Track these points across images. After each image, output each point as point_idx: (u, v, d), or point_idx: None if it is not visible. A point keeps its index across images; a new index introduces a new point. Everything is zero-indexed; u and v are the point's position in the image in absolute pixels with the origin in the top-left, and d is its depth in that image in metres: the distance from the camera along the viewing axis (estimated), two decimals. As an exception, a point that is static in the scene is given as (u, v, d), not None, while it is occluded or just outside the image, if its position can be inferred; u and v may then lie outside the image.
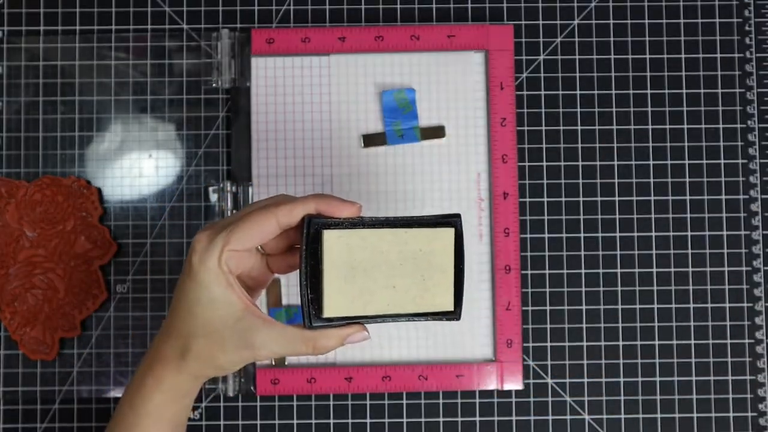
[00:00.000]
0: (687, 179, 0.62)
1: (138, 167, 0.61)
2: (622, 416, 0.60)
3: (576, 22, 0.62)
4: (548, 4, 0.62)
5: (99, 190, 0.61)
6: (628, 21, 0.62)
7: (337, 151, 0.60)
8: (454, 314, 0.45)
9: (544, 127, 0.62)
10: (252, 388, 0.59)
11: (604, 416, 0.60)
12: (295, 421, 0.60)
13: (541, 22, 0.62)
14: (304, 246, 0.43)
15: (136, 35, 0.61)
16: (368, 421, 0.60)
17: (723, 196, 0.62)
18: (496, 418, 0.60)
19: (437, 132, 0.60)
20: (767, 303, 0.62)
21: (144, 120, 0.61)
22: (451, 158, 0.61)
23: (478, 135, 0.61)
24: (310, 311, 0.44)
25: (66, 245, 0.60)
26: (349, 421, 0.60)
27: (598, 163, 0.62)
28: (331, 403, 0.60)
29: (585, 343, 0.61)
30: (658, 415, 0.60)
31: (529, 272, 0.61)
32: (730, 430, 0.60)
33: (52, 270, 0.60)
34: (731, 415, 0.60)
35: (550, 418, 0.60)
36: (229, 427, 0.60)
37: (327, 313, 0.44)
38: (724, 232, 0.62)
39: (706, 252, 0.61)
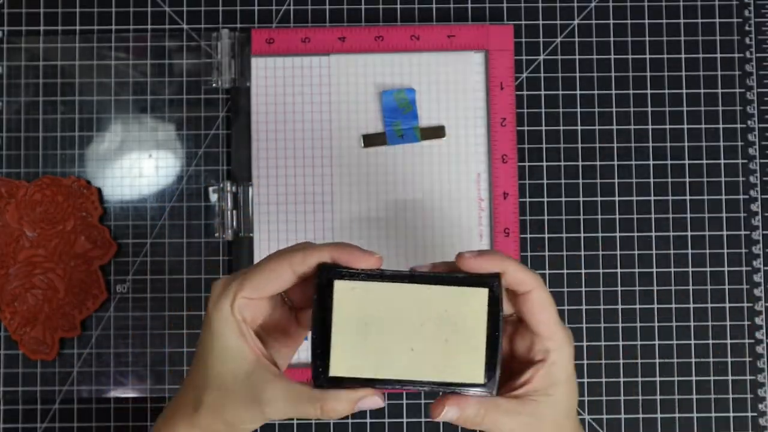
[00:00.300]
0: (687, 179, 0.62)
1: (138, 167, 0.61)
2: (622, 416, 0.60)
3: (576, 22, 0.62)
4: (548, 4, 0.62)
5: (99, 190, 0.61)
6: (628, 21, 0.62)
7: (337, 151, 0.60)
8: (486, 387, 0.40)
9: (544, 127, 0.62)
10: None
11: (604, 416, 0.60)
12: (295, 422, 0.60)
13: (541, 22, 0.62)
14: (315, 296, 0.40)
15: (136, 35, 0.61)
16: (368, 421, 0.60)
17: (723, 196, 0.62)
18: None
19: (437, 132, 0.60)
20: (767, 303, 0.62)
21: (144, 120, 0.61)
22: (451, 158, 0.61)
23: (478, 135, 0.61)
24: (317, 368, 0.40)
25: (66, 245, 0.60)
26: (349, 421, 0.60)
27: (598, 163, 0.62)
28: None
29: (585, 343, 0.61)
30: (658, 415, 0.60)
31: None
32: (730, 430, 0.60)
33: (52, 270, 0.60)
34: (731, 415, 0.60)
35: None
36: (229, 427, 0.60)
37: (333, 371, 0.40)
38: (724, 232, 0.62)
39: (706, 252, 0.61)
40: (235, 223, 0.60)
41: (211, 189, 0.61)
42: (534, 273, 0.42)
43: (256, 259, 0.59)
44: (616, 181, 0.61)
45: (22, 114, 0.61)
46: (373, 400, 0.40)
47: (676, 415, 0.60)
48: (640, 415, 0.60)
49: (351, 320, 0.40)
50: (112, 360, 0.60)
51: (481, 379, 0.40)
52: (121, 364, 0.60)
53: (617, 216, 0.61)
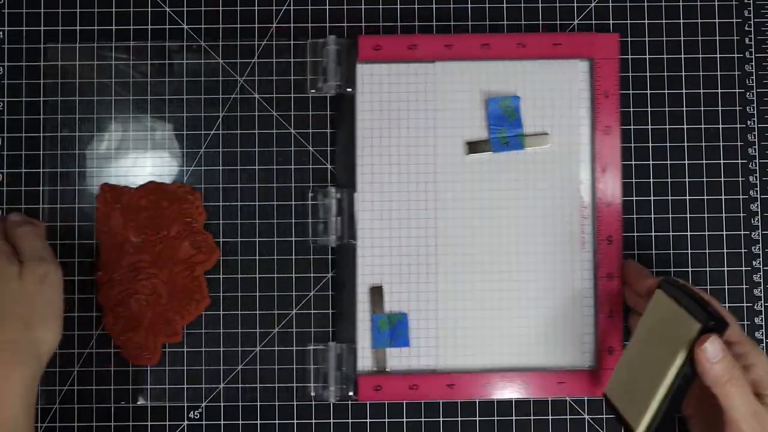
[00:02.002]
0: (686, 179, 0.62)
1: (239, 172, 0.61)
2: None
3: (576, 22, 0.62)
4: (548, 4, 0.62)
5: (202, 196, 0.61)
6: (628, 21, 0.62)
7: (441, 158, 0.60)
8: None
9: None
10: (353, 393, 0.59)
11: (604, 416, 0.60)
12: (295, 422, 0.60)
13: (541, 22, 0.62)
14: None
15: (244, 42, 0.61)
16: (368, 420, 0.60)
17: (723, 196, 0.62)
18: (495, 418, 0.60)
19: (541, 139, 0.60)
20: (767, 303, 0.61)
21: (251, 121, 0.61)
22: (554, 165, 0.61)
23: (582, 143, 0.61)
24: None
25: (170, 251, 0.60)
26: (349, 421, 0.60)
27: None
28: (331, 402, 0.60)
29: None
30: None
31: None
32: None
33: (156, 276, 0.59)
34: (731, 415, 0.60)
35: (549, 418, 0.60)
36: (229, 427, 0.60)
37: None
38: (724, 232, 0.62)
39: (705, 252, 0.61)
40: (338, 229, 0.60)
41: (314, 194, 0.60)
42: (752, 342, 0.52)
43: (360, 267, 0.60)
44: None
45: (111, 120, 0.61)
46: None
47: (676, 415, 0.60)
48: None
49: None
50: (203, 360, 0.60)
51: (636, 426, 0.50)
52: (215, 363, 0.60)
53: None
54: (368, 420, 0.60)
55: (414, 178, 0.60)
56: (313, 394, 0.60)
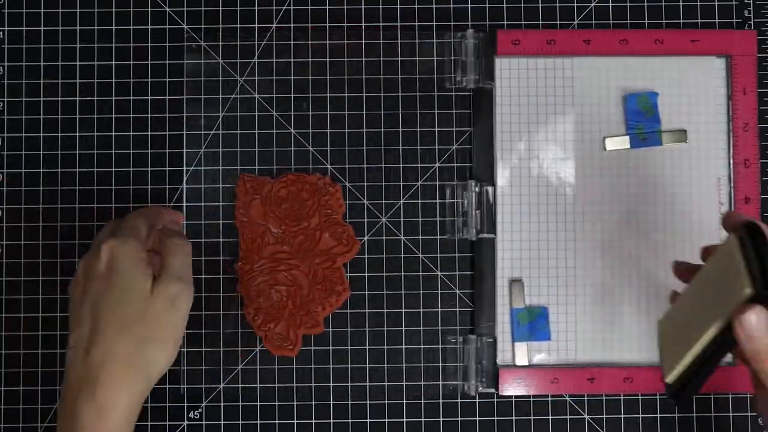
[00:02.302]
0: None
1: (376, 164, 0.61)
2: (622, 416, 0.60)
3: (575, 22, 0.62)
4: (548, 4, 0.62)
5: (342, 188, 0.61)
6: (628, 21, 0.62)
7: (579, 153, 0.61)
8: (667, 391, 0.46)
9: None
10: (493, 388, 0.60)
11: (604, 416, 0.60)
12: (295, 422, 0.60)
13: (541, 22, 0.62)
14: None
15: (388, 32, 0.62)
16: (368, 421, 0.60)
17: (723, 196, 0.62)
18: (496, 418, 0.60)
19: (679, 136, 0.61)
20: (767, 303, 0.61)
21: (373, 118, 0.61)
22: (692, 162, 0.61)
23: (719, 139, 0.61)
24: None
25: (310, 242, 0.60)
26: (349, 421, 0.60)
27: (597, 163, 0.61)
28: (331, 402, 0.60)
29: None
30: (658, 415, 0.60)
31: None
32: (730, 430, 0.60)
33: (296, 267, 0.60)
34: (731, 414, 0.60)
35: (550, 417, 0.60)
36: (229, 427, 0.60)
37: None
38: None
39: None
40: (477, 223, 0.60)
41: (451, 188, 0.61)
42: None
43: (499, 261, 0.60)
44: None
45: (254, 111, 0.61)
46: None
47: (676, 415, 0.60)
48: (640, 415, 0.60)
49: None
50: (349, 357, 0.60)
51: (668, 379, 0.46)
52: (360, 362, 0.61)
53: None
54: (368, 420, 0.60)
55: (552, 172, 0.61)
56: (452, 387, 0.60)
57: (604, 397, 0.60)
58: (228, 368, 0.60)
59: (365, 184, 0.61)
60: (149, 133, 0.62)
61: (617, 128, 0.61)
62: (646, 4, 0.62)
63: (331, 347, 0.60)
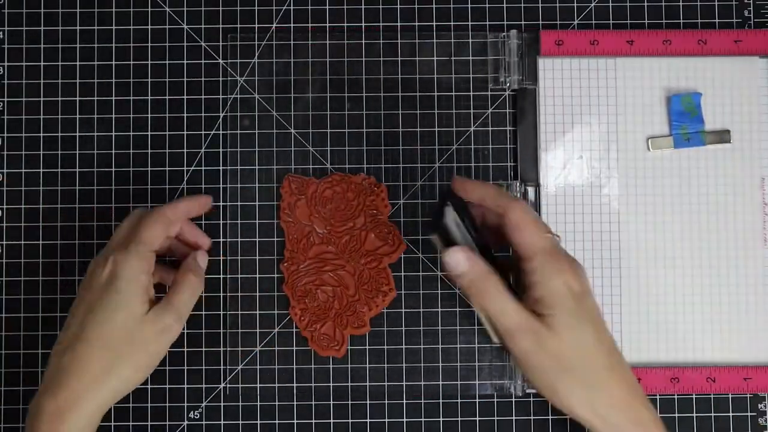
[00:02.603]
0: (687, 179, 0.62)
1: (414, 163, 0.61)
2: (676, 415, 0.60)
3: (575, 22, 0.62)
4: (548, 5, 0.62)
5: (387, 188, 0.61)
6: (628, 21, 0.62)
7: (623, 153, 0.61)
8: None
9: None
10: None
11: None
12: (295, 421, 0.60)
13: (541, 22, 0.62)
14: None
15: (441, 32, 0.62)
16: (368, 421, 0.60)
17: (723, 196, 0.62)
18: (495, 418, 0.60)
19: (723, 136, 0.61)
20: (767, 303, 0.62)
21: (430, 119, 0.61)
22: (735, 162, 0.61)
23: (763, 139, 0.61)
24: None
25: (356, 242, 0.60)
26: (349, 421, 0.60)
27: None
28: (331, 402, 0.60)
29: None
30: (658, 416, 0.60)
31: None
32: (730, 430, 0.60)
33: (342, 267, 0.60)
34: (731, 414, 0.60)
35: (550, 417, 0.60)
36: (229, 427, 0.60)
37: None
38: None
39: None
40: None
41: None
42: (510, 197, 0.49)
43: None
44: None
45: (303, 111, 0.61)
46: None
47: (676, 415, 0.60)
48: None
49: None
50: (404, 357, 0.60)
51: None
52: (411, 361, 0.61)
53: (617, 216, 0.61)
54: (368, 420, 0.60)
55: (596, 172, 0.61)
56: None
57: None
58: (228, 368, 0.60)
59: (402, 183, 0.61)
60: (149, 133, 0.62)
61: (661, 129, 0.61)
62: (646, 4, 0.62)
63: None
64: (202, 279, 0.56)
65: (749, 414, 0.60)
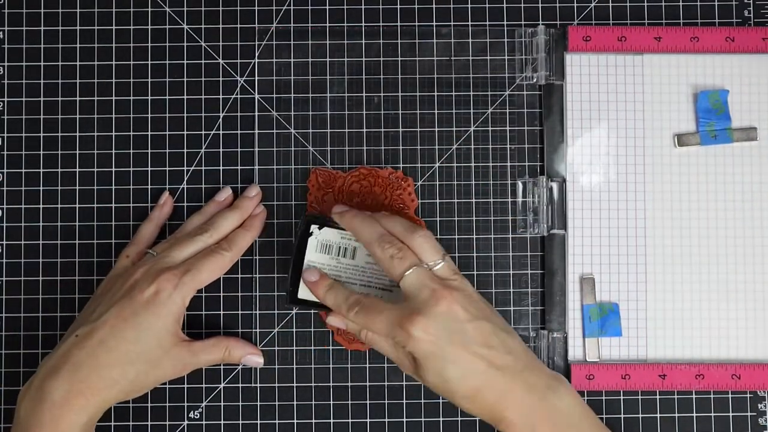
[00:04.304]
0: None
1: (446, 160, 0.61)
2: (622, 416, 0.60)
3: (575, 22, 0.62)
4: (547, 5, 0.62)
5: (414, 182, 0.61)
6: (628, 21, 0.62)
7: (650, 149, 0.61)
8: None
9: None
10: None
11: (604, 416, 0.60)
12: (295, 421, 0.60)
13: (541, 22, 0.62)
14: (297, 240, 0.57)
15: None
16: (368, 421, 0.60)
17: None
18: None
19: (749, 134, 0.61)
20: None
21: (446, 117, 0.62)
22: (762, 159, 0.61)
23: None
24: (291, 292, 0.57)
25: None
26: (349, 421, 0.60)
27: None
28: (331, 402, 0.60)
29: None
30: (658, 415, 0.60)
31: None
32: (730, 430, 0.60)
33: None
34: (731, 414, 0.60)
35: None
36: (229, 427, 0.60)
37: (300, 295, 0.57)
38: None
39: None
40: (548, 219, 0.60)
41: (520, 183, 0.61)
42: (370, 228, 0.53)
43: (570, 257, 0.60)
44: None
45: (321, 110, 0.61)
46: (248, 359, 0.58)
47: (676, 415, 0.60)
48: (640, 415, 0.60)
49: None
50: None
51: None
52: None
53: None
54: (368, 420, 0.60)
55: (623, 168, 0.61)
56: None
57: (603, 398, 0.60)
58: (228, 368, 0.60)
59: (437, 183, 0.61)
60: (149, 133, 0.62)
61: (687, 125, 0.61)
62: (646, 4, 0.62)
63: (331, 347, 0.61)
64: (230, 360, 0.58)
65: (749, 414, 0.60)
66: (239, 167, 0.61)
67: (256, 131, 0.61)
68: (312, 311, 0.60)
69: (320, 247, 0.57)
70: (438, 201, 0.61)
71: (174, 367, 0.55)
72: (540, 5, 0.62)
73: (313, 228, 0.57)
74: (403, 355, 0.52)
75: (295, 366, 0.60)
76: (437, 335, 0.50)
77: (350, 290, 0.55)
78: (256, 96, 0.62)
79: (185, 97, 0.62)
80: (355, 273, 0.57)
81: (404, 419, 0.60)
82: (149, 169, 0.61)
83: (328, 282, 0.55)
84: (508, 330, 0.53)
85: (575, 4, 0.62)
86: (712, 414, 0.60)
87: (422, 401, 0.60)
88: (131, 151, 0.62)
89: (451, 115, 0.62)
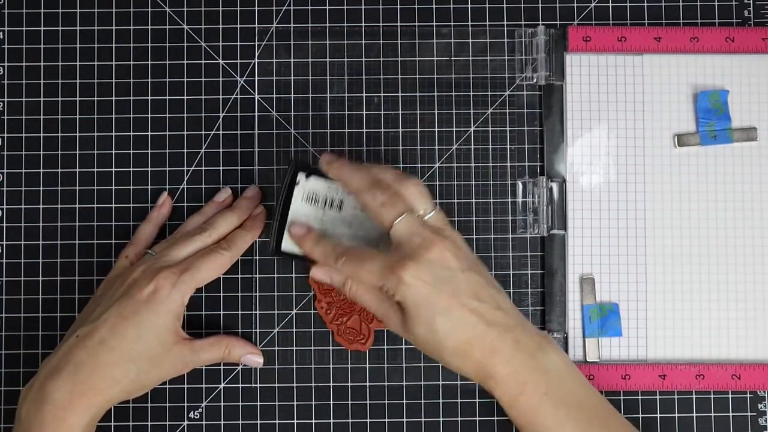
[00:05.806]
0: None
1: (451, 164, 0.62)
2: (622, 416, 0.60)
3: (575, 22, 0.62)
4: (547, 5, 0.62)
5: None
6: (628, 21, 0.62)
7: (650, 150, 0.61)
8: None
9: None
10: None
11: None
12: (295, 421, 0.60)
13: (541, 22, 0.62)
14: (285, 189, 0.56)
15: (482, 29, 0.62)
16: (368, 421, 0.60)
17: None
18: (495, 418, 0.60)
19: (749, 134, 0.61)
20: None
21: (447, 117, 0.62)
22: (762, 160, 0.61)
23: None
24: (275, 242, 0.56)
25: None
26: (349, 420, 0.60)
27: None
28: (331, 403, 0.60)
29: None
30: (658, 415, 0.60)
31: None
32: (730, 430, 0.60)
33: None
34: (731, 414, 0.60)
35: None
36: (229, 427, 0.60)
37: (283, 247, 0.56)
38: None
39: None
40: (548, 219, 0.60)
41: (520, 183, 0.61)
42: (360, 176, 0.52)
43: (570, 258, 0.60)
44: None
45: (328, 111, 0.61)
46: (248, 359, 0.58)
47: (676, 415, 0.60)
48: (640, 415, 0.60)
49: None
50: (405, 356, 0.61)
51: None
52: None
53: None
54: (368, 420, 0.60)
55: (623, 168, 0.61)
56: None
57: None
58: (228, 368, 0.60)
59: (437, 183, 0.61)
60: (149, 133, 0.62)
61: (687, 126, 0.61)
62: (646, 4, 0.62)
63: (331, 347, 0.61)
64: (230, 359, 0.58)
65: (749, 414, 0.60)
66: (239, 167, 0.61)
67: (256, 131, 0.61)
68: (294, 261, 0.59)
69: (306, 197, 0.56)
70: (438, 201, 0.61)
71: (175, 365, 0.55)
72: (540, 5, 0.62)
73: (300, 177, 0.56)
74: (390, 307, 0.51)
75: (295, 366, 0.60)
76: (429, 281, 0.49)
77: (338, 241, 0.54)
78: (256, 96, 0.62)
79: (185, 97, 0.62)
80: (341, 226, 0.56)
81: (404, 419, 0.60)
82: (149, 169, 0.61)
83: (315, 235, 0.54)
84: (497, 287, 0.52)
85: (575, 5, 0.62)
86: (712, 414, 0.60)
87: (422, 401, 0.60)
88: (131, 151, 0.62)
89: (451, 115, 0.62)
